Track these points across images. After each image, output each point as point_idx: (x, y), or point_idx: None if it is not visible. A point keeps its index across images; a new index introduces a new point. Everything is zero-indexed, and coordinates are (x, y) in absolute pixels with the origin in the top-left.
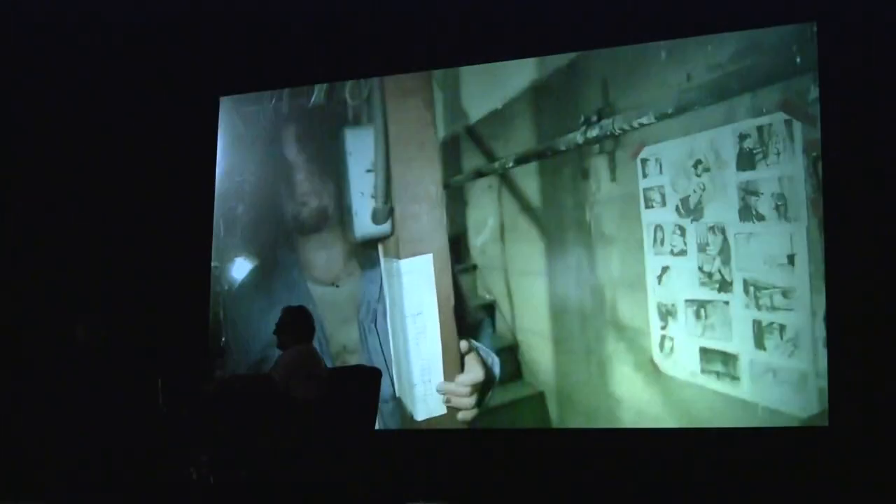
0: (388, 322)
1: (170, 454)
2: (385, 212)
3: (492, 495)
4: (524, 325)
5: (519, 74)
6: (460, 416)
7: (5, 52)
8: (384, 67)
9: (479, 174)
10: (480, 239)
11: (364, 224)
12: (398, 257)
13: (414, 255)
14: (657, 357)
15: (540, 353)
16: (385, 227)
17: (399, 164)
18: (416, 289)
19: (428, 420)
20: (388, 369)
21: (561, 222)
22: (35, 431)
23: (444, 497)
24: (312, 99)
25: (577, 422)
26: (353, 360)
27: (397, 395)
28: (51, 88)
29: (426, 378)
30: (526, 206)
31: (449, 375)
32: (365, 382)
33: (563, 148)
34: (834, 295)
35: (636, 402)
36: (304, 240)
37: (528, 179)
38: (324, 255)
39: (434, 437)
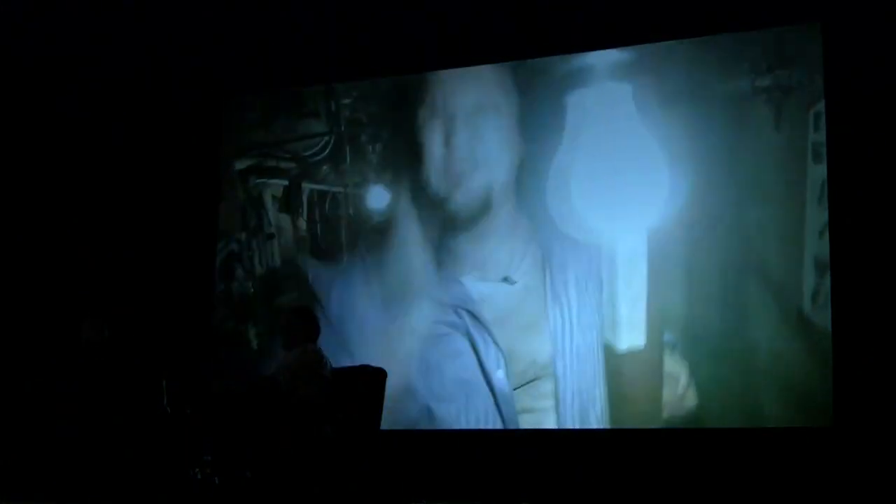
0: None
1: (174, 454)
2: None
3: (497, 495)
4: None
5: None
6: None
7: (9, 53)
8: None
9: None
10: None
11: None
12: None
13: None
14: (807, 307)
15: (669, 291)
16: None
17: None
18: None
19: (629, 350)
20: None
21: (708, 165)
22: (39, 430)
23: (448, 497)
24: None
25: (705, 363)
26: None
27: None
28: (52, 87)
29: (634, 314)
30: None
31: (653, 312)
32: (370, 383)
33: (724, 93)
34: (839, 291)
35: (776, 348)
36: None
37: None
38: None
39: (439, 437)
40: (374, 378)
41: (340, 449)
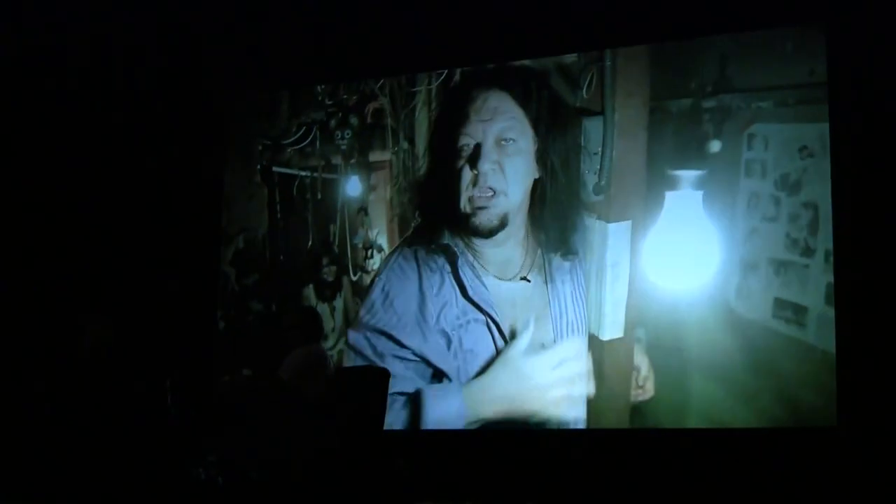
0: (583, 269)
1: (178, 454)
2: (604, 187)
3: (499, 496)
4: None
5: None
6: None
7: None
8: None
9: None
10: None
11: (588, 194)
12: (608, 221)
13: (620, 220)
14: (732, 300)
15: (640, 295)
16: (601, 198)
17: (618, 150)
18: (617, 245)
19: (611, 341)
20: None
21: (660, 175)
22: (40, 431)
23: (451, 498)
24: None
25: (654, 353)
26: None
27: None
28: (52, 85)
29: (616, 311)
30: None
31: (630, 310)
32: (373, 383)
33: (673, 110)
34: (842, 291)
35: (705, 334)
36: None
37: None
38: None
39: (441, 437)
40: (377, 378)
41: (344, 449)
